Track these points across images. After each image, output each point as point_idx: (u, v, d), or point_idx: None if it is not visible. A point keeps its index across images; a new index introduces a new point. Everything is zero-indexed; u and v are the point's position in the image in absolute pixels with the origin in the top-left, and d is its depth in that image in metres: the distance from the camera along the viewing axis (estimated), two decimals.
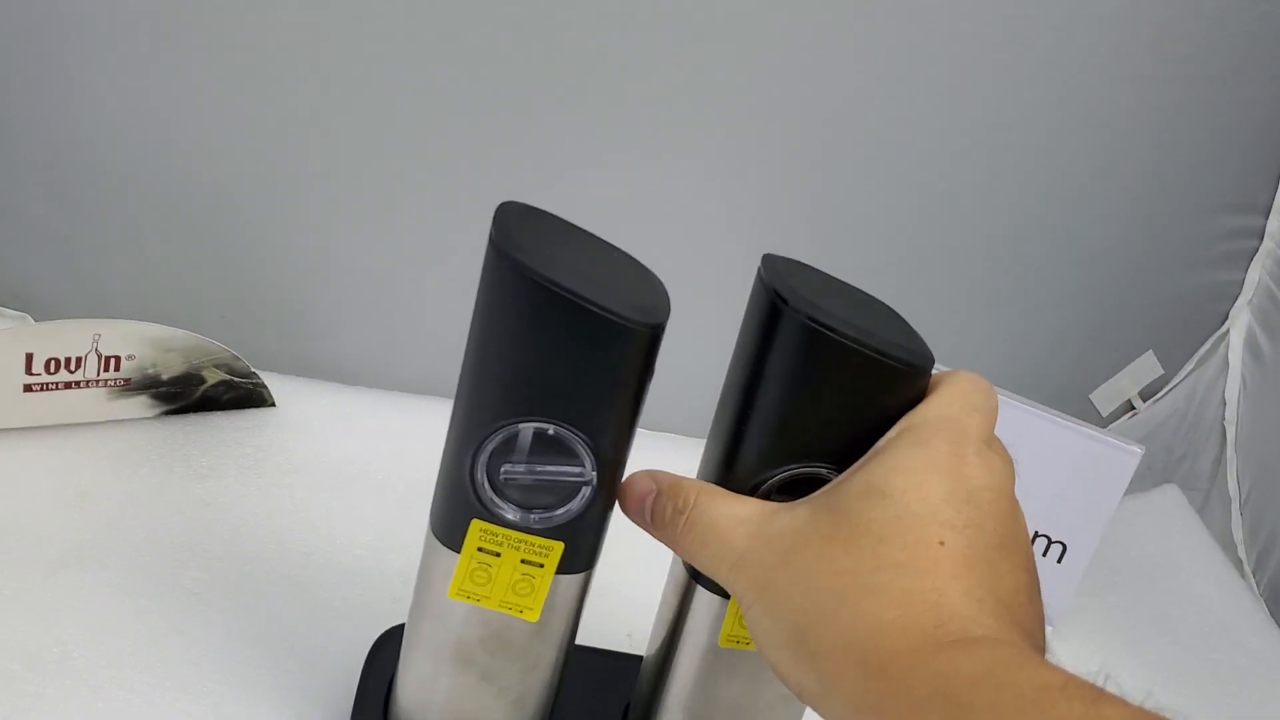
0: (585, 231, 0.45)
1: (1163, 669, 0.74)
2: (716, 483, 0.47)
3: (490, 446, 0.44)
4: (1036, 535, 0.73)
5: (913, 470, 0.40)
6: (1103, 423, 0.87)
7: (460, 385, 0.45)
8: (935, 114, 0.74)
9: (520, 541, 0.46)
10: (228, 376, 0.71)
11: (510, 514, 0.45)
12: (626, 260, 0.45)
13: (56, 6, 0.68)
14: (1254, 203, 0.79)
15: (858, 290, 0.46)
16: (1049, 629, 0.73)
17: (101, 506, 0.65)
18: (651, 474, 0.46)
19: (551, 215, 0.45)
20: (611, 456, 0.45)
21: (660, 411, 0.82)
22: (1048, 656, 0.36)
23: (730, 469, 0.46)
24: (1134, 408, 0.86)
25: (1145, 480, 0.88)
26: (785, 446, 0.45)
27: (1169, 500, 0.89)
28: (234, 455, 0.70)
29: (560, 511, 0.45)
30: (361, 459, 0.73)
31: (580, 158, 0.74)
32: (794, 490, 0.45)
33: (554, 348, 0.42)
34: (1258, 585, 0.82)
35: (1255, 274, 0.80)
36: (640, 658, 0.58)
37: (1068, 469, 0.71)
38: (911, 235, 0.74)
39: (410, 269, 0.76)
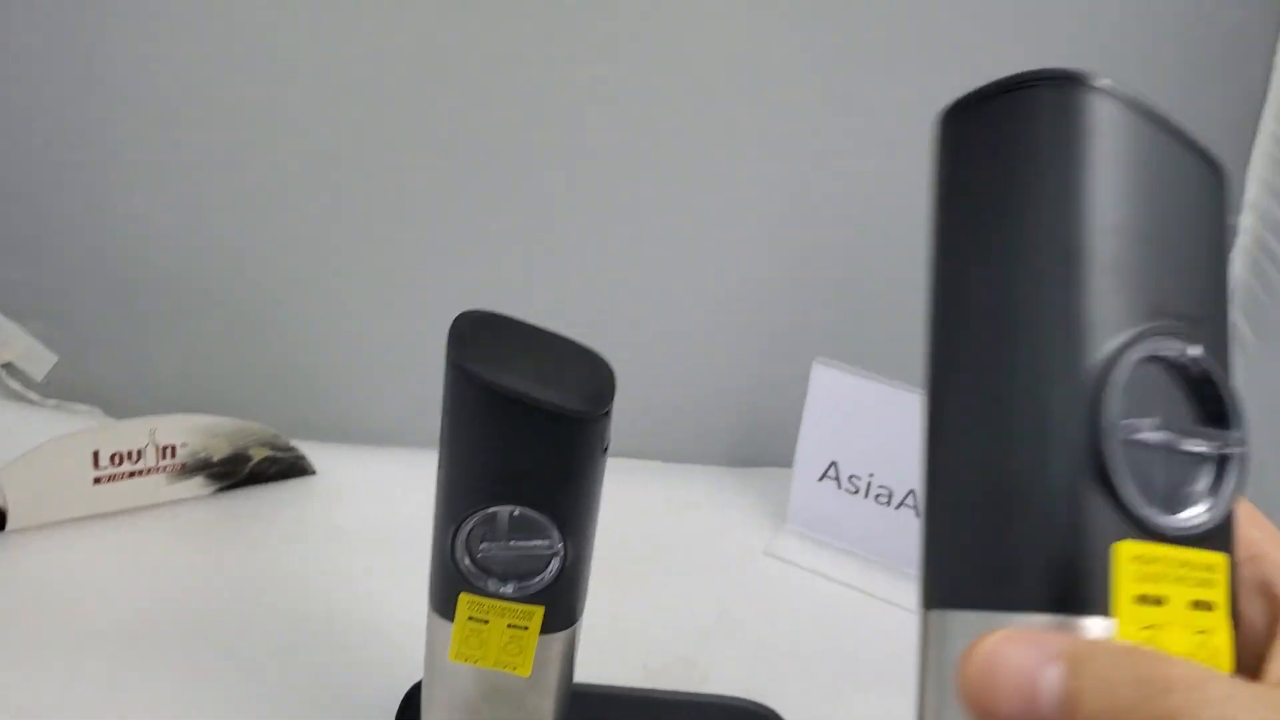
0: (536, 328, 0.51)
1: None
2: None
3: (467, 529, 0.50)
4: None
5: None
6: None
7: (438, 475, 0.51)
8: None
9: (505, 609, 0.52)
10: (271, 452, 0.78)
11: (492, 586, 0.51)
12: (578, 350, 0.51)
13: (104, 136, 0.76)
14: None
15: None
16: None
17: (166, 582, 0.72)
18: (1020, 635, 0.26)
19: (504, 317, 0.51)
20: (577, 527, 0.51)
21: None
22: None
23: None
24: None
25: None
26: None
27: None
28: (281, 524, 0.77)
29: (535, 580, 0.51)
30: (398, 516, 0.79)
31: (563, 240, 0.80)
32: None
33: (510, 442, 0.48)
34: None
35: (1235, 268, 0.83)
36: (651, 693, 0.64)
37: None
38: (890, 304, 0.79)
39: (430, 335, 0.82)
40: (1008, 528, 0.27)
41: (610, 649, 0.68)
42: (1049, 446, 0.27)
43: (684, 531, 0.82)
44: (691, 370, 0.85)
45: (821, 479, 0.81)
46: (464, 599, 0.52)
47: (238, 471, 0.78)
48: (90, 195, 0.79)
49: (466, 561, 0.51)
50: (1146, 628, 0.26)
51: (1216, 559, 0.28)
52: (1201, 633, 0.27)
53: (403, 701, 0.63)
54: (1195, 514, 0.28)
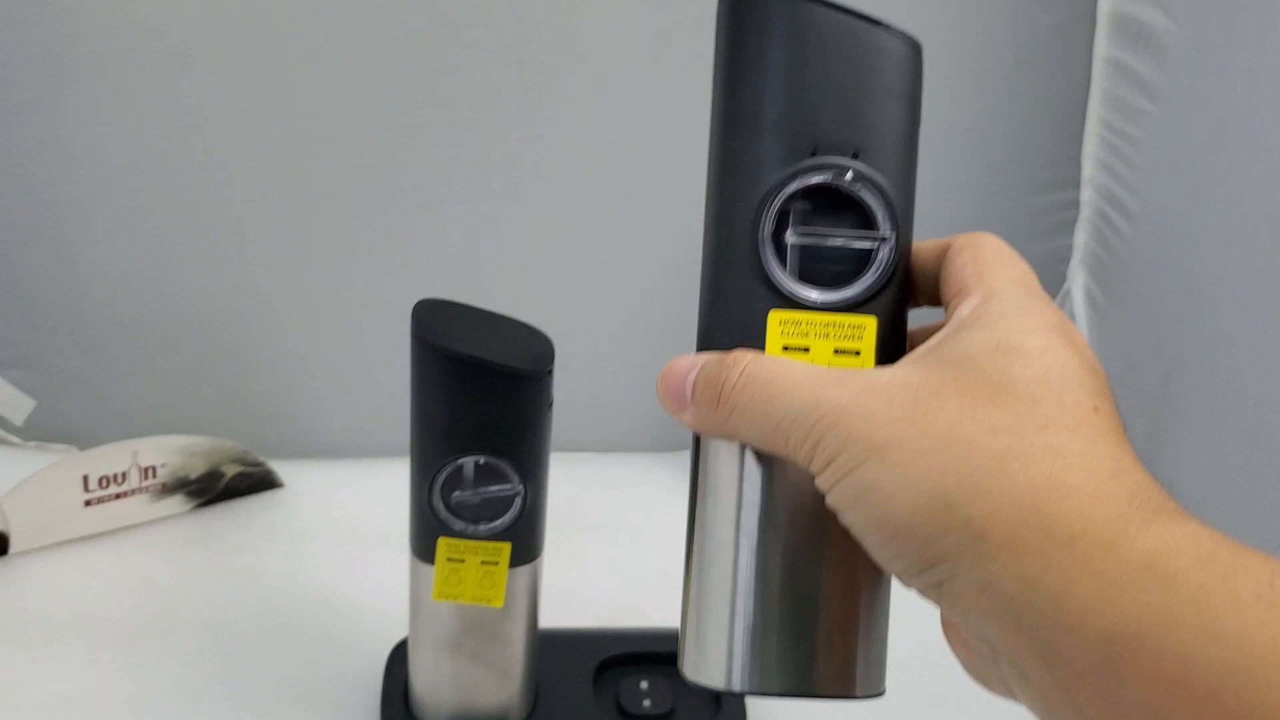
0: (483, 310, 0.60)
1: None
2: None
3: (440, 480, 0.59)
4: None
5: (1038, 331, 0.35)
6: None
7: (411, 437, 0.60)
8: None
9: (477, 548, 0.61)
10: (243, 468, 0.86)
11: (465, 528, 0.60)
12: (519, 325, 0.61)
13: (65, 198, 0.85)
14: (1066, 179, 0.94)
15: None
16: None
17: (161, 589, 0.80)
18: (688, 356, 0.40)
19: (455, 303, 0.60)
20: (533, 470, 0.60)
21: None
22: None
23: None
24: None
25: None
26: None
27: None
28: (258, 531, 0.85)
29: (502, 520, 0.60)
30: (359, 517, 0.88)
31: (509, 244, 0.90)
32: None
33: (471, 400, 0.57)
34: None
35: (1081, 237, 0.95)
36: (606, 630, 0.73)
37: None
38: None
39: (376, 354, 0.91)
40: (713, 303, 0.40)
41: (566, 606, 0.76)
42: (733, 251, 0.39)
43: (621, 508, 0.92)
44: (617, 365, 0.95)
45: None
46: (442, 542, 0.61)
47: (213, 488, 0.86)
48: (56, 252, 0.87)
49: (442, 509, 0.60)
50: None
51: (866, 320, 0.39)
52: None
53: (390, 655, 0.71)
54: (846, 289, 0.39)
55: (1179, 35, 0.83)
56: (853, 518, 0.35)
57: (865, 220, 0.39)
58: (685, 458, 1.01)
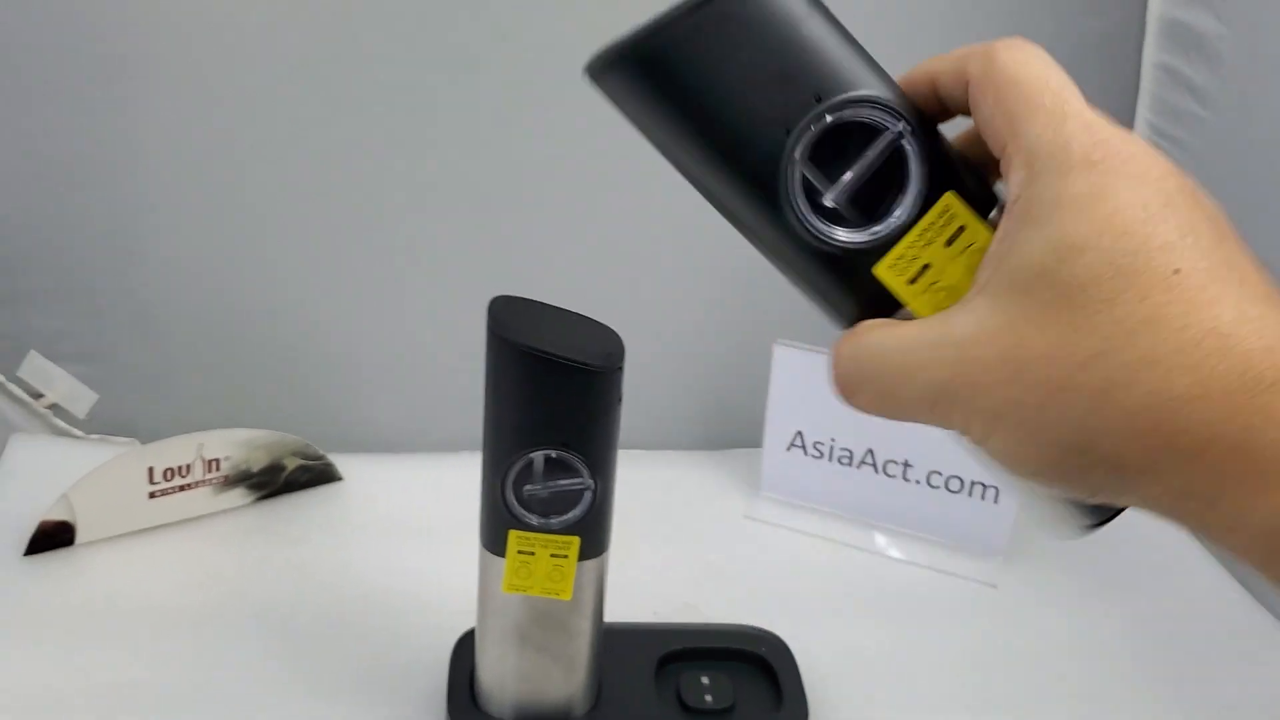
0: (555, 307, 0.61)
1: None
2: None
3: (512, 474, 0.60)
4: (973, 484, 0.88)
5: (1087, 206, 0.33)
6: None
7: (485, 431, 0.61)
8: None
9: (548, 541, 0.62)
10: (303, 461, 0.88)
11: (536, 521, 0.62)
12: (590, 322, 0.62)
13: (128, 198, 0.86)
14: None
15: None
16: (995, 562, 0.88)
17: (223, 580, 0.81)
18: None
19: (528, 300, 0.61)
20: (603, 465, 0.61)
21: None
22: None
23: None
24: None
25: None
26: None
27: None
28: (316, 524, 0.87)
29: (572, 514, 0.62)
30: (416, 511, 0.89)
31: (559, 241, 0.91)
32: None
33: (544, 395, 0.59)
34: None
35: None
36: (667, 625, 0.74)
37: None
38: None
39: (433, 351, 0.93)
40: (829, 296, 0.40)
41: (621, 601, 0.77)
42: (806, 254, 0.39)
43: (671, 505, 0.93)
44: (669, 363, 0.96)
45: (789, 448, 0.92)
46: (513, 535, 0.62)
47: (274, 481, 0.87)
48: (118, 248, 0.89)
49: (514, 502, 0.61)
50: (930, 286, 0.38)
51: (947, 200, 0.38)
52: (967, 249, 0.38)
53: (455, 646, 0.72)
54: (909, 195, 0.38)
55: (1231, 40, 0.83)
56: (1010, 477, 0.36)
57: (868, 136, 0.38)
58: (735, 455, 1.03)
